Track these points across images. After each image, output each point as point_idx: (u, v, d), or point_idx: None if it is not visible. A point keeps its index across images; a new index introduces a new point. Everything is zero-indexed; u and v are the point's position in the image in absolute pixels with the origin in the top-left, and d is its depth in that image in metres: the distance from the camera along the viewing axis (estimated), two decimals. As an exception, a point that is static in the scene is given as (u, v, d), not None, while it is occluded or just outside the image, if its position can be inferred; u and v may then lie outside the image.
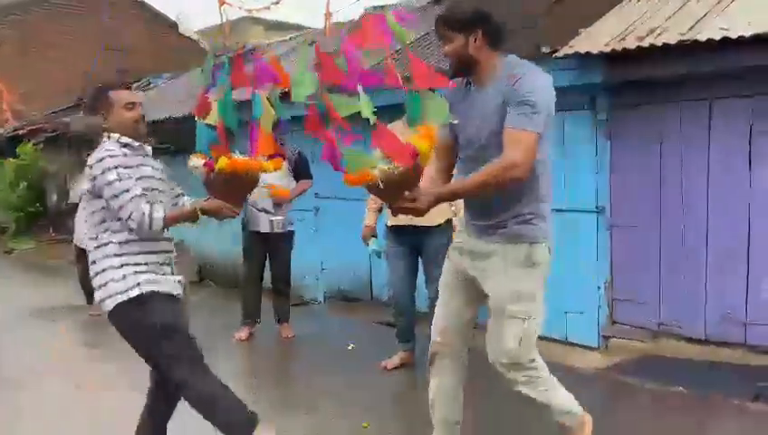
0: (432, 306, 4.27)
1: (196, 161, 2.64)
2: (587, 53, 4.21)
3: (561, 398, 2.67)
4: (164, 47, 15.88)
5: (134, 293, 2.64)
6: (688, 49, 3.94)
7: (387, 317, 5.88)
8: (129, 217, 2.61)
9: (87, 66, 14.09)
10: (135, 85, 12.76)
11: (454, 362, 2.73)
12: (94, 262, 2.69)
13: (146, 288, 2.65)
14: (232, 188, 2.65)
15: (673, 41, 3.87)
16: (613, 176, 4.75)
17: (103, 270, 2.66)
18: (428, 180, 2.61)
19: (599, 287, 4.85)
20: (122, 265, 2.65)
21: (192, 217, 2.72)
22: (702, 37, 3.77)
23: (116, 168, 2.62)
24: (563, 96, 4.65)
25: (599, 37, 4.43)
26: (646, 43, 3.97)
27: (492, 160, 2.36)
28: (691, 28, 3.99)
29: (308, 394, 4.13)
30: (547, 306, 4.95)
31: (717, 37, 3.71)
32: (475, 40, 2.44)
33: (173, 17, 16.75)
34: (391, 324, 5.75)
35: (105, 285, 2.65)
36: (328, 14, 7.05)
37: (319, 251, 6.95)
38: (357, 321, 5.92)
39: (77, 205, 6.60)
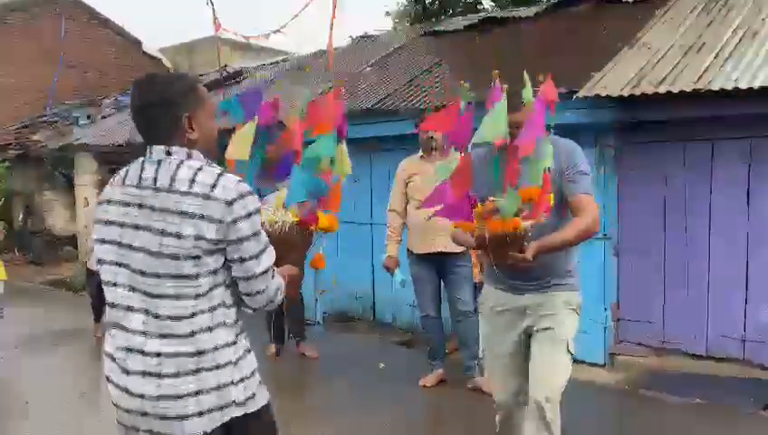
0: (455, 325, 4.61)
1: (284, 215, 2.22)
2: (607, 96, 4.65)
3: None
4: (127, 65, 15.67)
5: (260, 402, 1.83)
6: (697, 96, 4.43)
7: (394, 337, 6.16)
8: (266, 289, 1.78)
9: (47, 83, 13.79)
10: (105, 103, 12.60)
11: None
12: (183, 353, 1.68)
13: (264, 395, 1.86)
14: (300, 249, 2.25)
15: (688, 89, 4.35)
16: (621, 206, 5.20)
17: (216, 366, 1.70)
18: None
19: (605, 308, 5.26)
20: (239, 360, 1.76)
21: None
22: (714, 86, 4.27)
23: (258, 211, 1.77)
24: (576, 132, 5.18)
25: (612, 81, 4.89)
26: (662, 90, 4.44)
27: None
28: (700, 77, 4.49)
29: (362, 411, 4.30)
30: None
31: (729, 87, 4.21)
32: None
33: (137, 35, 16.51)
34: (404, 343, 6.03)
35: (217, 389, 1.71)
36: (330, 49, 7.31)
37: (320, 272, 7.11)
38: (365, 339, 6.11)
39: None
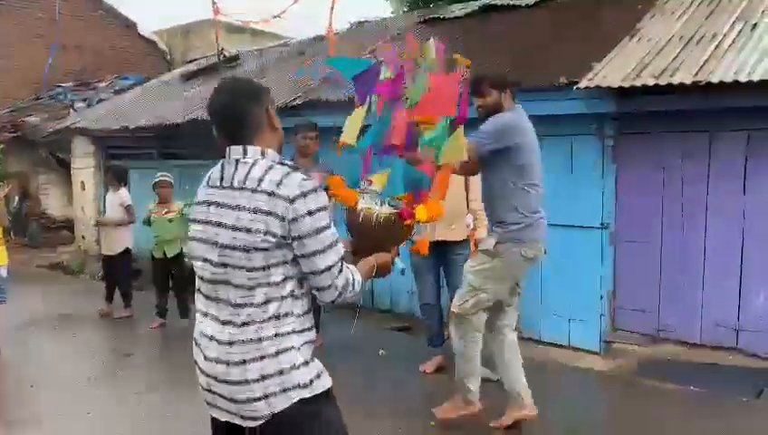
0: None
1: (383, 207, 2.15)
2: (607, 87, 4.69)
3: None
4: (122, 47, 15.55)
5: (325, 384, 1.89)
6: (696, 88, 4.47)
7: (393, 324, 6.23)
8: (331, 285, 1.81)
9: (42, 65, 13.67)
10: (101, 86, 12.53)
11: None
12: (251, 340, 1.78)
13: (328, 378, 1.93)
14: (396, 240, 2.19)
15: (688, 81, 4.40)
16: (618, 195, 5.26)
17: (277, 353, 1.78)
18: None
19: (602, 296, 5.34)
20: (302, 345, 1.84)
21: (369, 277, 2.04)
22: (714, 79, 4.31)
23: (326, 208, 1.82)
24: (574, 122, 5.23)
25: (612, 72, 4.92)
26: (662, 81, 4.48)
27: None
28: (700, 69, 4.54)
29: (365, 397, 4.35)
30: (553, 314, 5.44)
31: (729, 80, 4.26)
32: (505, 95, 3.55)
33: (132, 17, 16.35)
34: (403, 329, 6.10)
35: (281, 373, 1.79)
36: (330, 33, 7.29)
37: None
38: (365, 326, 6.17)
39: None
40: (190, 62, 12.80)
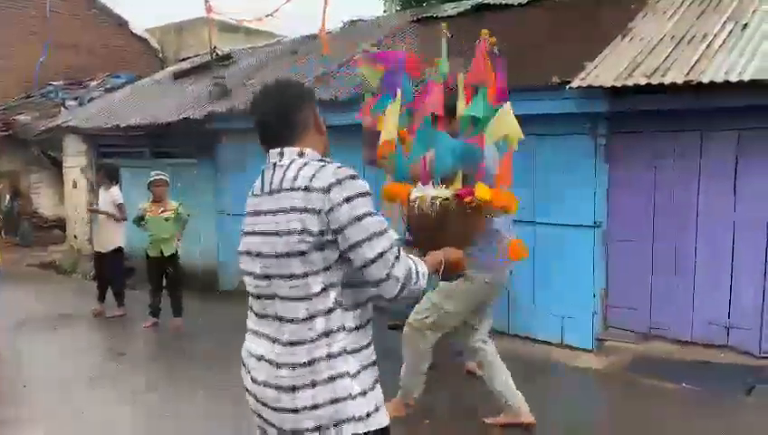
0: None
1: (440, 191, 1.96)
2: (600, 86, 4.71)
3: None
4: (114, 45, 15.47)
5: (382, 421, 1.69)
6: (687, 88, 4.50)
7: (386, 321, 6.23)
8: (389, 275, 1.60)
9: (33, 63, 13.58)
10: (93, 84, 12.47)
11: None
12: (302, 363, 1.62)
13: (386, 416, 1.73)
14: (464, 232, 1.96)
15: (680, 80, 4.42)
16: (610, 194, 5.28)
17: (331, 378, 1.62)
18: None
19: (594, 295, 5.37)
20: (360, 371, 1.66)
21: (436, 270, 1.82)
22: (705, 79, 4.34)
23: (369, 194, 1.66)
24: (567, 121, 5.25)
25: (605, 72, 4.95)
26: (654, 81, 4.51)
27: None
28: (692, 68, 4.57)
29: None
30: (547, 312, 5.46)
31: (719, 80, 4.29)
32: None
33: (124, 15, 16.26)
34: (397, 326, 6.10)
35: (334, 402, 1.62)
36: (323, 33, 7.29)
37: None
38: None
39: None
40: (183, 60, 12.76)
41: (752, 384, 4.35)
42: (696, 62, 4.71)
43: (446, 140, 2.10)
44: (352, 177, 1.63)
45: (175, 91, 9.89)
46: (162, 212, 6.14)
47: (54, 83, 13.27)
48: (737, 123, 4.68)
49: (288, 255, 1.62)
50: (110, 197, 6.61)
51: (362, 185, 1.64)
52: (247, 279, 1.76)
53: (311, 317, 1.62)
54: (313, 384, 1.61)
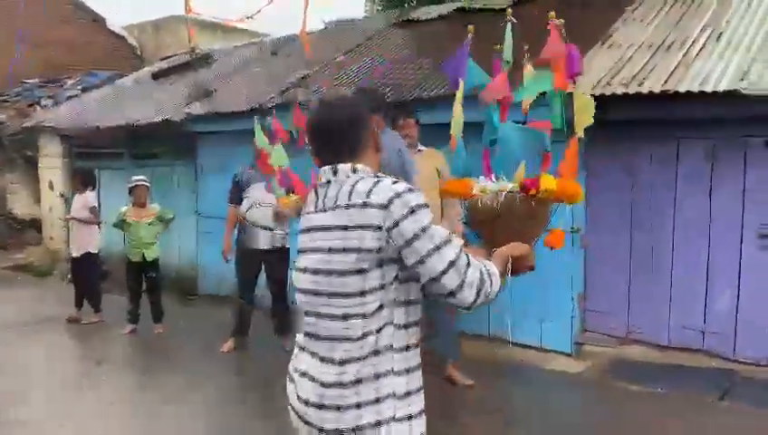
0: (429, 312, 4.71)
1: (501, 183, 1.85)
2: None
3: None
4: (90, 43, 15.25)
5: None
6: (664, 97, 4.58)
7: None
8: (464, 282, 1.57)
9: (6, 60, 13.33)
10: (69, 83, 12.29)
11: None
12: (351, 382, 1.60)
13: None
14: (530, 225, 1.83)
15: (656, 90, 4.49)
16: (588, 201, 5.34)
17: (378, 400, 1.60)
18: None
19: (572, 299, 5.43)
20: (408, 394, 1.64)
21: (504, 268, 1.74)
22: (682, 89, 4.42)
23: (428, 205, 1.63)
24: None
25: (583, 80, 4.99)
26: (632, 91, 4.57)
27: None
28: (669, 77, 4.64)
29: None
30: (524, 315, 5.52)
31: (695, 90, 4.36)
32: None
33: (100, 11, 16.03)
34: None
35: (377, 425, 1.60)
36: (304, 35, 7.27)
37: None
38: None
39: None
40: (162, 59, 12.62)
41: (725, 388, 4.43)
42: (673, 70, 4.78)
43: (512, 128, 1.97)
44: (410, 189, 1.59)
45: (154, 91, 9.79)
46: (144, 217, 6.09)
47: (30, 81, 13.05)
48: (712, 131, 4.76)
49: (345, 273, 1.59)
50: (83, 200, 6.54)
51: (421, 196, 1.60)
52: (300, 296, 1.74)
53: (364, 336, 1.59)
54: (358, 405, 1.58)
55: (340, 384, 1.59)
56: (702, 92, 4.36)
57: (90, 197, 6.58)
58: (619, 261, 5.27)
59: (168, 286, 7.38)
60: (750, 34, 5.12)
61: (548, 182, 1.77)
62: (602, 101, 4.86)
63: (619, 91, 4.64)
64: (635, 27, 5.88)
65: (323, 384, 1.61)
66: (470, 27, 2.24)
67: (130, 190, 6.12)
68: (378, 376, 1.59)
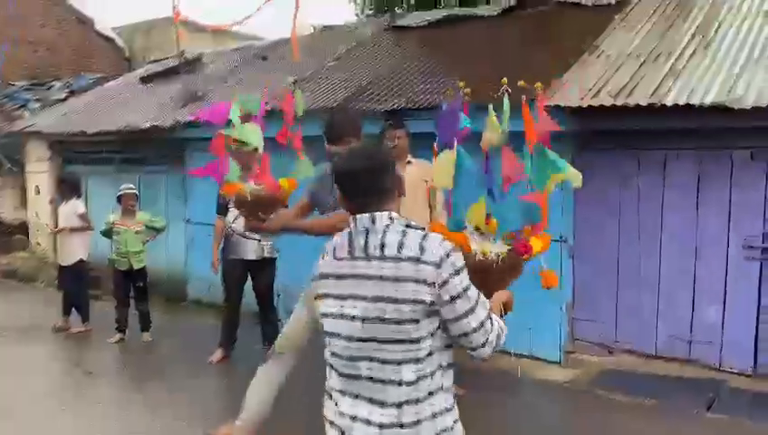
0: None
1: (498, 246, 2.19)
2: (566, 106, 4.78)
3: None
4: (79, 45, 15.14)
5: None
6: (652, 109, 4.60)
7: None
8: (487, 341, 1.77)
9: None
10: (57, 85, 12.19)
11: None
12: (411, 423, 1.72)
13: None
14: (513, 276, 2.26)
15: (644, 102, 4.52)
16: (576, 211, 5.37)
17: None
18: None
19: (561, 308, 5.45)
20: (454, 425, 1.80)
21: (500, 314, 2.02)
22: (669, 102, 4.44)
23: (465, 267, 1.77)
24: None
25: (571, 90, 5.02)
26: (619, 102, 4.59)
27: None
28: (656, 89, 4.67)
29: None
30: (513, 324, 5.53)
31: (682, 102, 4.39)
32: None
33: (88, 12, 15.89)
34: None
35: None
36: (294, 40, 7.25)
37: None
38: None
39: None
40: (151, 62, 12.54)
41: (712, 398, 4.47)
42: (661, 81, 4.81)
43: (515, 202, 2.22)
44: (455, 249, 1.74)
45: (143, 96, 9.73)
46: (132, 226, 6.05)
47: (16, 83, 12.93)
48: (699, 143, 4.80)
49: (400, 321, 1.68)
50: (72, 207, 6.47)
51: (461, 255, 1.75)
52: (334, 340, 1.79)
53: (418, 380, 1.70)
54: None
55: (400, 425, 1.70)
56: (689, 105, 4.38)
57: (77, 204, 6.52)
58: (608, 270, 5.29)
59: (157, 292, 7.38)
60: (737, 45, 5.16)
61: (537, 246, 2.08)
62: (590, 113, 4.90)
63: (607, 102, 4.66)
64: (623, 36, 5.91)
65: (382, 426, 1.71)
66: (461, 84, 2.42)
67: (119, 198, 6.08)
68: (435, 415, 1.72)
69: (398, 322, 1.68)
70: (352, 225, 1.79)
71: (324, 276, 1.83)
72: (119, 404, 4.73)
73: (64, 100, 11.42)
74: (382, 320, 1.69)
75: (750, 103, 4.25)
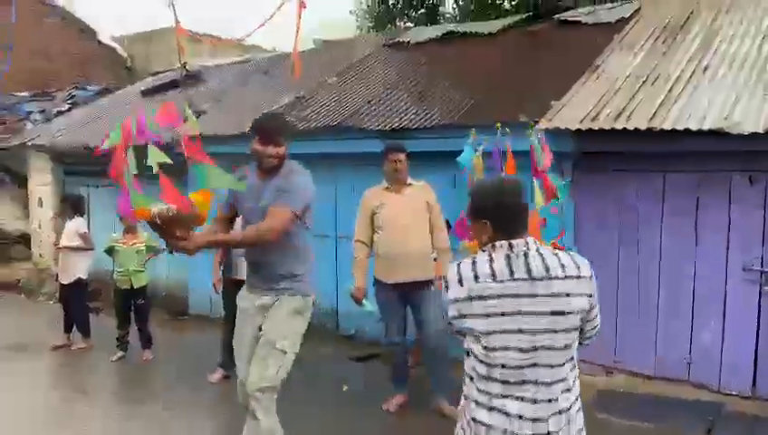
0: (423, 350, 4.74)
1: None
2: (566, 128, 4.81)
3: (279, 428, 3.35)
4: (80, 54, 15.20)
5: None
6: (651, 132, 4.63)
7: (354, 352, 6.24)
8: (597, 327, 2.19)
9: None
10: (60, 96, 12.24)
11: None
12: (567, 409, 2.02)
13: None
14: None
15: (642, 126, 4.55)
16: (577, 230, 5.39)
17: (578, 410, 2.08)
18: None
19: (561, 328, 5.46)
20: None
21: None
22: (667, 126, 4.47)
23: None
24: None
25: (571, 112, 5.06)
26: (619, 126, 4.63)
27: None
28: (655, 112, 4.70)
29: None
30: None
31: (680, 127, 4.42)
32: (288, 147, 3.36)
33: (90, 23, 15.96)
34: (362, 359, 6.13)
35: (580, 431, 2.09)
36: (296, 57, 7.30)
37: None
38: (329, 354, 6.18)
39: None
40: (153, 74, 12.59)
41: (712, 422, 4.48)
42: (660, 104, 4.85)
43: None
44: (589, 261, 2.10)
45: (144, 109, 9.76)
46: (133, 244, 6.07)
47: (18, 93, 12.97)
48: (698, 165, 4.83)
49: (570, 330, 2.00)
50: (74, 226, 6.49)
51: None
52: (503, 353, 1.99)
53: (567, 377, 2.02)
54: (568, 422, 2.02)
55: (560, 411, 2.00)
56: (687, 129, 4.41)
57: (80, 223, 6.54)
58: (607, 291, 5.30)
59: (158, 306, 7.40)
60: (735, 68, 5.20)
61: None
62: (590, 134, 4.93)
63: (607, 126, 4.69)
64: (622, 57, 5.95)
65: (546, 419, 1.99)
66: (473, 132, 2.61)
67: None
68: (577, 398, 2.07)
69: (569, 330, 1.99)
70: (504, 250, 2.02)
71: (487, 297, 2.01)
72: (112, 424, 4.74)
73: (67, 111, 11.46)
74: (556, 331, 1.97)
75: (747, 129, 4.28)
